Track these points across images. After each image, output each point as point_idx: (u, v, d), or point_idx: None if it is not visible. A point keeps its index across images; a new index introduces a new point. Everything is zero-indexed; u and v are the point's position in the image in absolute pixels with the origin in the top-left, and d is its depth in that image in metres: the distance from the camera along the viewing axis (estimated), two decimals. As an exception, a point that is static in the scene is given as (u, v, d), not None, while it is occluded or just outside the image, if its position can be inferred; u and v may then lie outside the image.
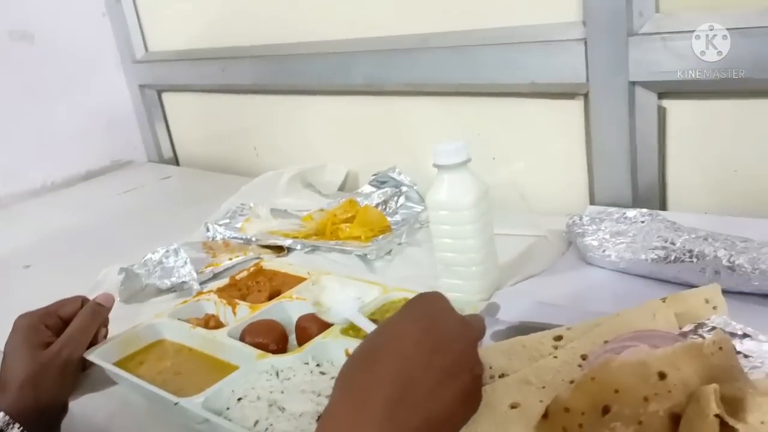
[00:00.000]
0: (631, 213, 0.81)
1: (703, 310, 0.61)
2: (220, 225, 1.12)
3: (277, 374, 0.65)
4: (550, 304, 0.74)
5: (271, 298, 0.84)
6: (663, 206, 0.97)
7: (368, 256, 0.95)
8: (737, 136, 0.89)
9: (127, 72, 1.78)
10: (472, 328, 0.52)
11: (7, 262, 1.20)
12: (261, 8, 1.39)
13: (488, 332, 0.69)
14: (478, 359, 0.51)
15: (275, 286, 0.87)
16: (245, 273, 0.92)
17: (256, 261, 0.96)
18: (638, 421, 0.46)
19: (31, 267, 1.17)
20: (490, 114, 1.10)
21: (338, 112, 1.36)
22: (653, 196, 0.96)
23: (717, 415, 0.44)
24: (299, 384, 0.63)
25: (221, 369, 0.70)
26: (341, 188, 1.33)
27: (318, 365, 0.67)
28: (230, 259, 1.00)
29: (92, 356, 0.73)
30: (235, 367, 0.69)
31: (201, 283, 0.93)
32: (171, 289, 0.94)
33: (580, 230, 0.83)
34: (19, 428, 0.64)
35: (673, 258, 0.74)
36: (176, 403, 0.62)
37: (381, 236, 1.01)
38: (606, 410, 0.47)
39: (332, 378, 0.64)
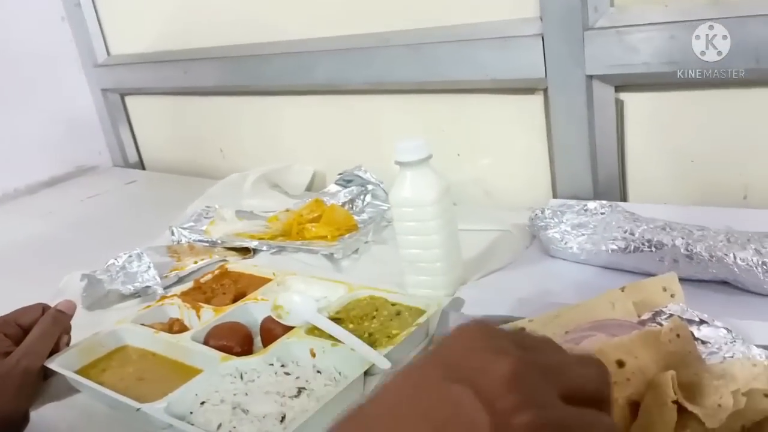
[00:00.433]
0: (592, 205, 0.82)
1: (661, 298, 0.63)
2: (185, 228, 1.11)
3: (242, 376, 0.65)
4: (514, 297, 0.75)
5: (236, 300, 0.83)
6: (624, 198, 0.99)
7: (335, 256, 0.95)
8: (693, 127, 0.90)
9: (89, 76, 1.76)
10: (503, 362, 0.32)
11: (-32, 271, 1.17)
12: (222, 10, 1.38)
13: (453, 327, 0.70)
14: (511, 398, 0.31)
15: (240, 288, 0.87)
16: (210, 276, 0.91)
17: (221, 263, 0.96)
18: (596, 409, 0.46)
19: (-8, 276, 1.14)
20: (453, 111, 1.11)
21: (303, 112, 1.35)
22: (614, 188, 0.97)
23: (675, 402, 0.45)
24: (263, 385, 0.63)
25: (185, 373, 0.69)
26: (308, 188, 1.32)
27: (282, 366, 0.66)
28: (195, 262, 0.99)
29: (53, 364, 0.72)
30: (200, 371, 0.68)
31: (166, 288, 0.92)
32: (135, 295, 0.93)
33: (543, 223, 0.84)
34: (-22, 440, 0.63)
35: (632, 248, 0.75)
36: (138, 409, 0.62)
37: (347, 235, 1.01)
38: (566, 399, 0.47)
39: (297, 378, 0.64)
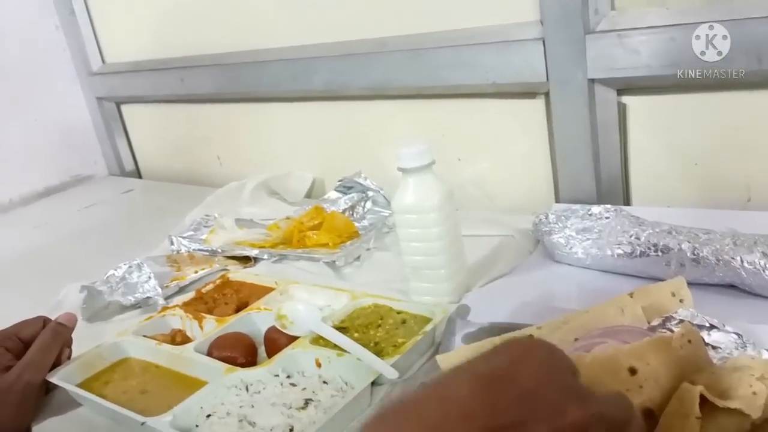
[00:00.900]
0: (596, 209, 0.81)
1: (670, 304, 0.62)
2: (185, 237, 1.10)
3: (247, 388, 0.64)
4: (519, 303, 0.74)
5: (238, 310, 0.82)
6: (627, 201, 0.98)
7: (337, 263, 0.95)
8: (696, 130, 0.90)
9: (84, 85, 1.74)
10: (590, 406, 0.34)
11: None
12: (218, 16, 1.37)
13: (459, 334, 0.69)
14: None
15: (242, 297, 0.86)
16: (211, 286, 0.90)
17: (222, 273, 0.95)
18: (610, 417, 0.46)
19: (-10, 288, 1.13)
20: (453, 115, 1.11)
21: (301, 118, 1.35)
22: (617, 191, 0.97)
23: (698, 418, 0.44)
24: (269, 397, 0.62)
25: (189, 385, 0.68)
26: (307, 195, 1.32)
27: (288, 377, 0.66)
28: (196, 272, 0.98)
29: (55, 378, 0.71)
30: (204, 383, 0.67)
31: (166, 298, 0.91)
32: (135, 306, 0.92)
33: (547, 228, 0.83)
34: (-21, 457, 0.62)
35: (638, 252, 0.74)
36: (143, 423, 0.61)
37: (349, 242, 1.00)
38: (578, 408, 0.47)
39: (303, 389, 0.63)
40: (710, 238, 0.71)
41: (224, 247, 1.05)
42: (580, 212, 0.82)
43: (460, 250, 0.80)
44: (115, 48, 1.68)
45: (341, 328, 0.72)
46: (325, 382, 0.65)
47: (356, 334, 0.71)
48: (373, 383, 0.63)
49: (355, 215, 1.09)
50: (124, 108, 1.75)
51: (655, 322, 0.59)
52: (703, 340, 0.54)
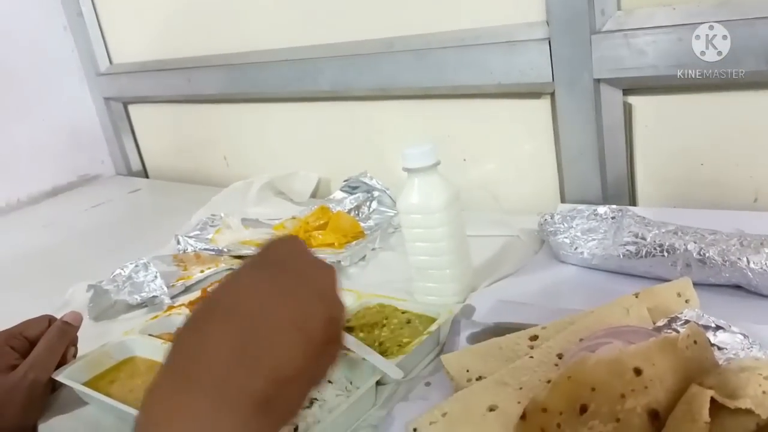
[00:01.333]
0: (602, 210, 0.81)
1: (676, 304, 0.62)
2: (191, 237, 1.10)
3: (252, 387, 0.64)
4: (524, 303, 0.74)
5: (244, 309, 0.82)
6: (632, 201, 0.98)
7: (342, 263, 0.95)
8: (702, 130, 0.90)
9: (92, 85, 1.75)
10: (329, 268, 0.46)
11: (-28, 283, 1.17)
12: (225, 17, 1.38)
13: (464, 334, 0.69)
14: (339, 301, 0.45)
15: (248, 297, 0.86)
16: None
17: (228, 272, 0.95)
18: (616, 418, 0.46)
19: (-3, 287, 1.14)
20: (459, 116, 1.11)
21: (307, 118, 1.35)
22: (623, 191, 0.97)
23: (707, 423, 0.44)
24: (274, 396, 0.62)
25: (195, 384, 0.68)
26: (313, 195, 1.32)
27: (293, 375, 0.66)
28: (202, 271, 0.99)
29: (61, 377, 0.71)
30: (209, 382, 0.67)
31: (172, 297, 0.92)
32: (142, 305, 0.92)
33: (552, 229, 0.83)
34: (-15, 455, 0.62)
35: (644, 253, 0.74)
36: (149, 422, 0.61)
37: (354, 242, 1.00)
38: (584, 409, 0.47)
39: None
40: (716, 238, 0.70)
41: (230, 247, 1.05)
42: (585, 212, 0.82)
43: (465, 251, 0.80)
44: (122, 49, 1.69)
45: (346, 328, 0.72)
46: (329, 382, 0.64)
47: (361, 334, 0.71)
48: (377, 383, 0.63)
49: (360, 215, 1.10)
50: (131, 108, 1.76)
51: (660, 323, 0.59)
52: (709, 340, 0.54)
